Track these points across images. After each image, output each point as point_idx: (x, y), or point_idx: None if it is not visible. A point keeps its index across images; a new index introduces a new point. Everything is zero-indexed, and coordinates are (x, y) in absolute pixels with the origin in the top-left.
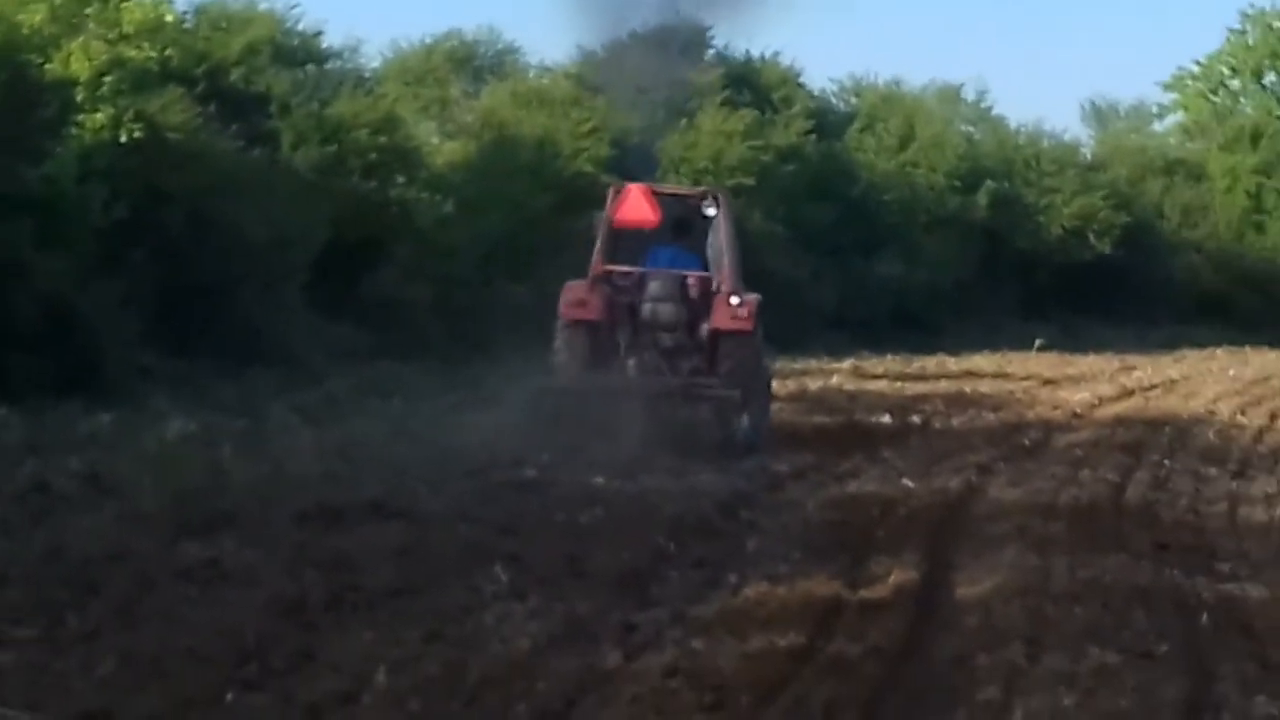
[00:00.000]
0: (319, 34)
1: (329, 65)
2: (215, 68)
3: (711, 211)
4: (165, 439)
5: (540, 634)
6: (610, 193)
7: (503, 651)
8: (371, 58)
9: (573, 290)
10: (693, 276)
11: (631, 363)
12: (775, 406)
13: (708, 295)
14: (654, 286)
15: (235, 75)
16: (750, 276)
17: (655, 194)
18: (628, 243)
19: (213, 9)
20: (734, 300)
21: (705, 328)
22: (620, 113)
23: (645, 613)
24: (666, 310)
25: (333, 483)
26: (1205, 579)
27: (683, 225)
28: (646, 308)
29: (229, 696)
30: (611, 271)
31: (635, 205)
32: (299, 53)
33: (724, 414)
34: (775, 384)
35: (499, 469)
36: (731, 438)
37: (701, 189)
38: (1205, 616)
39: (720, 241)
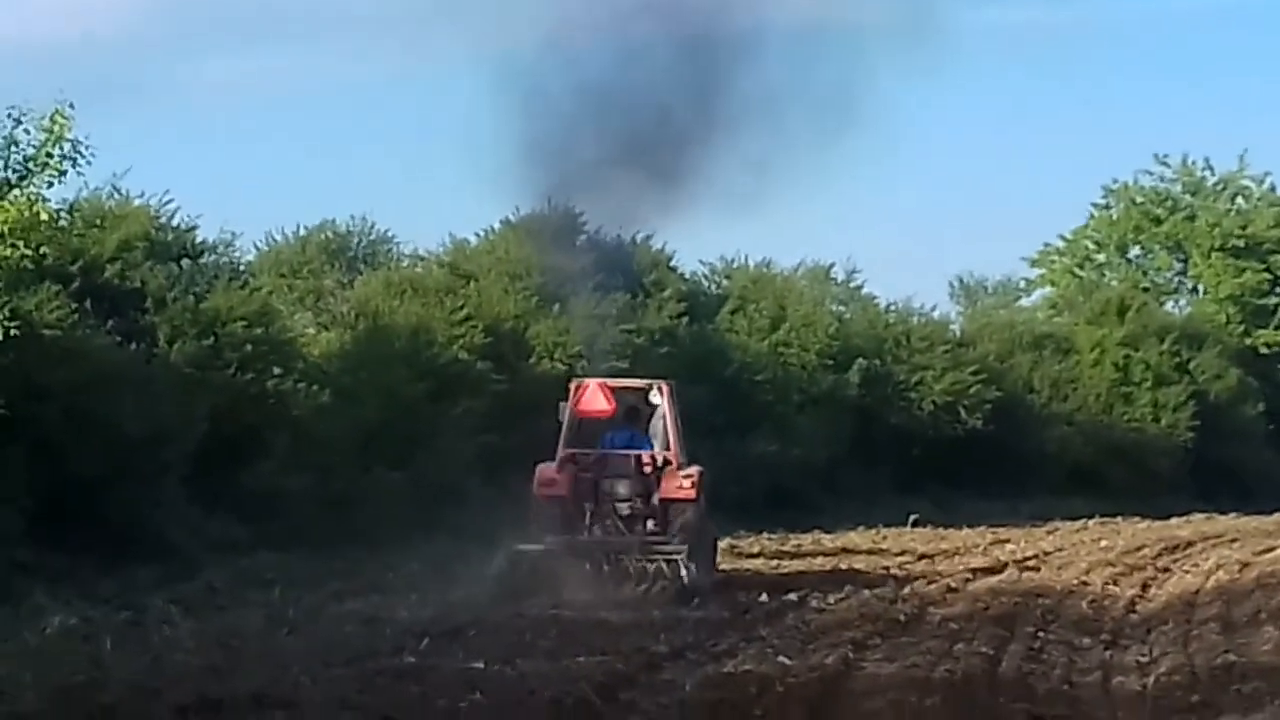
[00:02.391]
0: (193, 228)
1: (204, 259)
2: (90, 264)
3: (656, 399)
4: (45, 634)
5: None
6: (571, 387)
7: None
8: (246, 250)
9: (544, 471)
10: (644, 454)
11: (596, 528)
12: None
13: (657, 469)
14: (612, 465)
15: (110, 271)
16: None
17: (609, 387)
18: (589, 427)
19: (87, 205)
20: (681, 473)
21: (657, 497)
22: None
23: None
24: (624, 485)
25: (213, 674)
26: None
27: (633, 412)
28: (606, 483)
29: None
30: (575, 454)
31: (594, 397)
32: (174, 247)
33: (674, 567)
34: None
35: (379, 656)
36: (681, 586)
37: (648, 381)
38: None
39: (665, 423)
